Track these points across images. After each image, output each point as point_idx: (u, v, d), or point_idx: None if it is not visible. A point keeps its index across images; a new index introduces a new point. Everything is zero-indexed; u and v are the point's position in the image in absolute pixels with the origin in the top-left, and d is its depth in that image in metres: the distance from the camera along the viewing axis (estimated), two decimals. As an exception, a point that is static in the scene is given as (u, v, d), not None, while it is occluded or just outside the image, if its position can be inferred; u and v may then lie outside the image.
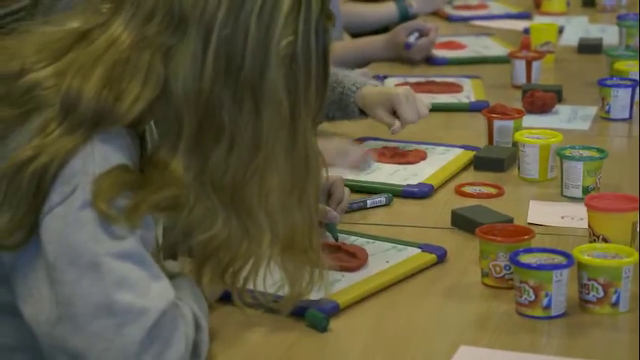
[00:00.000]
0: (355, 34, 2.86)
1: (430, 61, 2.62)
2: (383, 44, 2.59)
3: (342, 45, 2.60)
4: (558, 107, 2.21)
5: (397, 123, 1.91)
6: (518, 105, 2.16)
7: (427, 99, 2.07)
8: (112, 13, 1.16)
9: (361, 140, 2.00)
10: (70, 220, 1.10)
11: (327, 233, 1.54)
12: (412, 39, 2.58)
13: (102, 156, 1.11)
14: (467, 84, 2.38)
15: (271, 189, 1.16)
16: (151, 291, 1.11)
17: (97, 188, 1.10)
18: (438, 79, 2.40)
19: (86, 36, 1.16)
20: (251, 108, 1.14)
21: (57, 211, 1.10)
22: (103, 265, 1.09)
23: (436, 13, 3.10)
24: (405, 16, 2.98)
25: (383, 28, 2.92)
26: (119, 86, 1.12)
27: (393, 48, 2.55)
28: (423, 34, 2.60)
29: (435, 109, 2.05)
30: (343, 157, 1.71)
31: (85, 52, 1.15)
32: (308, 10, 1.16)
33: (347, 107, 1.98)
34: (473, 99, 2.27)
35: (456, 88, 2.34)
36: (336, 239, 1.55)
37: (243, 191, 1.15)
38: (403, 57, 2.59)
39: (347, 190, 1.65)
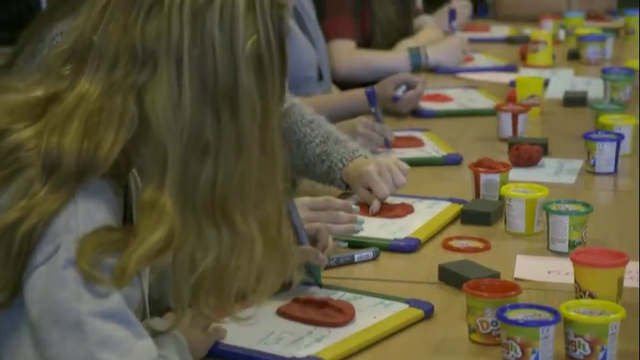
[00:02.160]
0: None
1: (417, 113, 2.64)
2: None
3: (329, 98, 2.62)
4: (544, 160, 2.22)
5: (375, 203, 1.91)
6: (505, 158, 2.17)
7: (397, 155, 2.09)
8: (76, 74, 1.17)
9: (349, 193, 2.01)
10: (53, 279, 1.10)
11: (312, 275, 1.56)
12: (400, 92, 2.60)
13: (85, 214, 1.11)
14: (423, 137, 2.39)
15: (251, 189, 1.17)
16: (135, 350, 1.10)
17: (80, 247, 1.10)
18: (398, 134, 2.38)
19: (56, 97, 1.17)
20: (229, 115, 1.15)
21: (41, 270, 1.10)
22: (86, 324, 1.09)
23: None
24: (418, 67, 3.01)
25: None
26: (97, 135, 1.13)
27: (380, 100, 2.57)
28: (410, 86, 2.62)
29: (410, 164, 2.06)
30: (334, 226, 1.73)
31: (58, 111, 1.15)
32: (261, 4, 1.17)
33: (334, 181, 2.01)
34: (442, 152, 2.29)
35: (417, 142, 2.35)
36: (320, 284, 1.55)
37: (229, 201, 1.15)
38: (390, 109, 2.60)
39: (331, 237, 1.66)
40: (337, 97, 2.69)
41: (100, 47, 1.15)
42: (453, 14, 3.26)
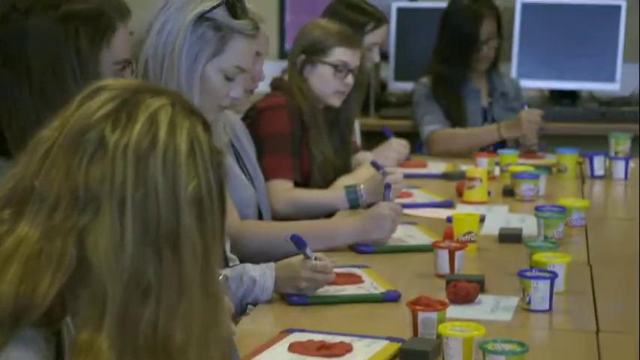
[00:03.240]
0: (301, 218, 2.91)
1: (356, 249, 2.67)
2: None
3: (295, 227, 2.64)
4: (481, 297, 2.26)
5: None
6: (443, 295, 2.21)
7: (336, 291, 2.14)
8: (16, 218, 1.18)
9: (288, 332, 2.02)
10: None
11: None
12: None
13: None
14: (363, 274, 2.43)
15: (194, 331, 1.17)
16: None
17: None
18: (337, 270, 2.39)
19: None
20: (171, 257, 1.16)
21: None
22: None
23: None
24: (356, 205, 3.06)
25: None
26: (34, 279, 1.13)
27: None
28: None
29: (350, 301, 2.07)
30: None
31: None
32: (201, 150, 1.20)
33: None
34: (381, 289, 2.32)
35: (356, 279, 2.38)
36: None
37: (171, 343, 1.15)
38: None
39: None
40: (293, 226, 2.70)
41: (42, 192, 1.17)
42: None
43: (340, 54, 3.27)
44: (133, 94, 1.21)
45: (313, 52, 3.27)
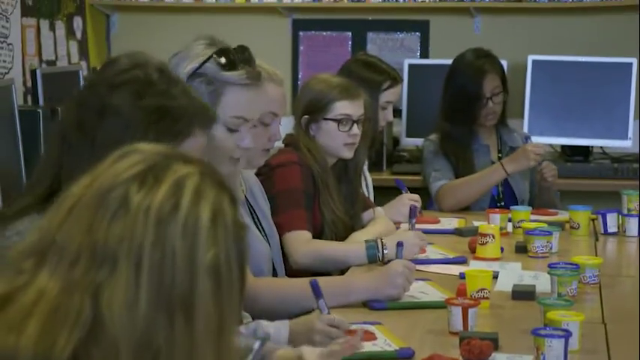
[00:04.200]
0: (319, 273, 2.91)
1: (369, 305, 2.67)
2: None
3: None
4: (495, 355, 2.25)
5: None
6: (456, 352, 2.20)
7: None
8: (36, 269, 1.19)
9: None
10: None
11: None
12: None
13: None
14: (376, 331, 2.42)
15: None
16: None
17: None
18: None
19: (10, 299, 1.18)
20: (183, 324, 1.16)
21: None
22: None
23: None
24: (375, 259, 3.06)
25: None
26: (53, 335, 1.14)
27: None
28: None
29: (364, 358, 2.06)
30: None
31: (13, 310, 1.16)
32: (224, 221, 1.20)
33: None
34: (395, 346, 2.31)
35: (369, 336, 2.37)
36: None
37: None
38: None
39: None
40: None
41: (63, 244, 1.18)
42: (413, 212, 3.31)
43: (342, 107, 3.29)
44: (164, 159, 1.23)
45: (315, 110, 3.30)
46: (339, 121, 3.29)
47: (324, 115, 3.29)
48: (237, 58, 2.38)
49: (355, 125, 3.30)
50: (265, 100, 2.61)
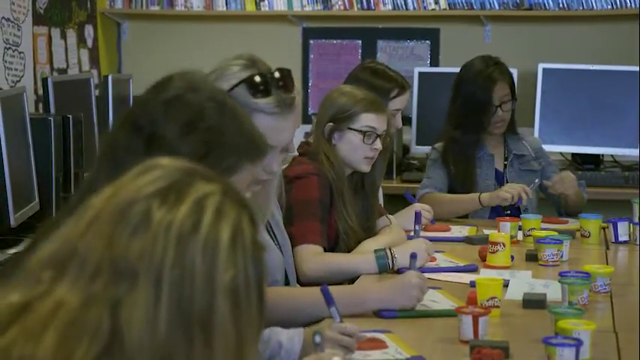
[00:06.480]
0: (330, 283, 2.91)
1: (379, 314, 2.67)
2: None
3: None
4: (506, 364, 2.25)
5: None
6: (467, 361, 2.20)
7: (361, 356, 2.13)
8: (55, 279, 1.19)
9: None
10: None
11: None
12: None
13: None
14: (387, 339, 2.42)
15: None
16: None
17: None
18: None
19: (28, 307, 1.18)
20: (202, 344, 1.16)
21: None
22: None
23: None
24: (385, 269, 3.06)
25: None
26: (70, 348, 1.13)
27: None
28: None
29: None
30: None
31: (32, 319, 1.16)
32: (243, 242, 1.21)
33: None
34: (406, 354, 2.31)
35: (380, 344, 2.37)
36: None
37: None
38: None
39: None
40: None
41: (83, 257, 1.18)
42: (418, 217, 3.33)
43: (368, 120, 3.29)
44: (187, 176, 1.23)
45: (341, 119, 3.30)
46: (364, 133, 3.29)
47: (350, 124, 3.29)
48: (273, 83, 2.34)
49: (378, 140, 3.30)
50: (294, 126, 2.55)
